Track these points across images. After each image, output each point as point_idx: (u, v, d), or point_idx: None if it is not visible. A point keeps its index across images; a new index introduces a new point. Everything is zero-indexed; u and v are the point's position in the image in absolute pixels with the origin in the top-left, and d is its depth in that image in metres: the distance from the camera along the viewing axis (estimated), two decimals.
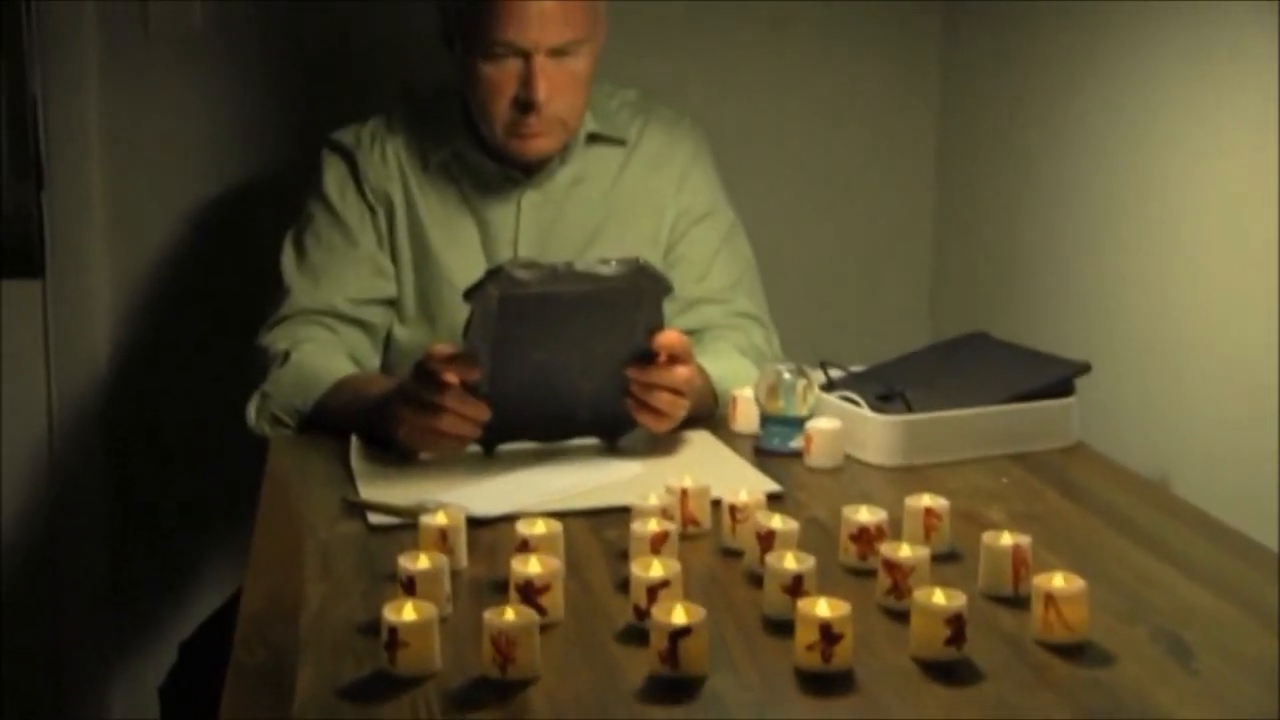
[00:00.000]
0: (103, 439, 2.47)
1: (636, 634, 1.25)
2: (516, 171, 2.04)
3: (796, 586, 1.28)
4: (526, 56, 1.90)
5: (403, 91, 2.17)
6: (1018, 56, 2.35)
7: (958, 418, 1.76)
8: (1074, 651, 1.24)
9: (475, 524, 1.48)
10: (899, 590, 1.31)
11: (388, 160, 2.05)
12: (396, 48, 2.41)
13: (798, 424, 1.75)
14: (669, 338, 1.71)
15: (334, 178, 2.05)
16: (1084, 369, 1.84)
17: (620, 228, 2.07)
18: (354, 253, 2.02)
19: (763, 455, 1.77)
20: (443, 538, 1.39)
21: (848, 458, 1.74)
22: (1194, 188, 1.87)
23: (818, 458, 1.73)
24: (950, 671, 1.20)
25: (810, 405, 1.77)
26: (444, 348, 1.68)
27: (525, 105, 1.92)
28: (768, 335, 2.09)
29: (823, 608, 1.20)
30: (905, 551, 1.33)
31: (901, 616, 1.27)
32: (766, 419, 1.78)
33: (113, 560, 2.50)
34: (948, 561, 1.43)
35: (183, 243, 2.46)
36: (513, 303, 1.63)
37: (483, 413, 1.67)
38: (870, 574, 1.37)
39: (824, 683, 1.18)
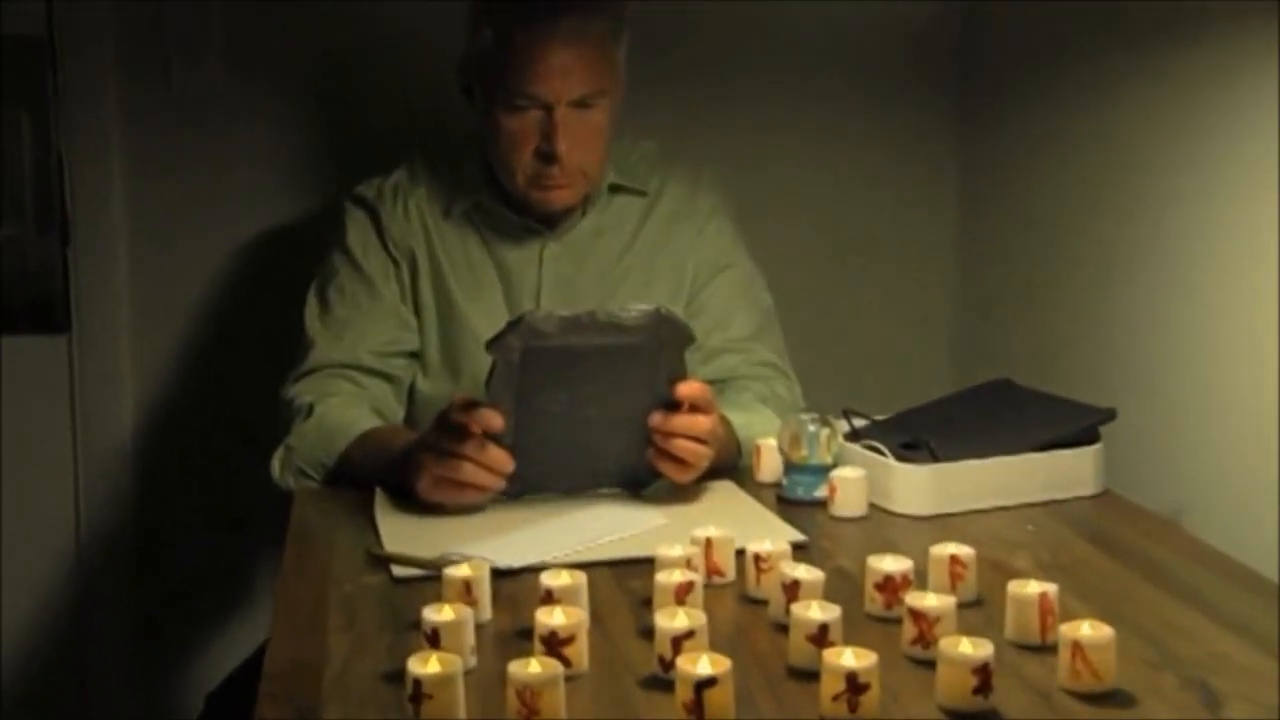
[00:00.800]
0: (128, 491, 2.48)
1: (661, 684, 1.24)
2: (538, 223, 2.05)
3: (822, 636, 1.27)
4: (548, 109, 1.92)
5: (423, 142, 2.18)
6: (1038, 111, 2.36)
7: (983, 466, 1.75)
8: (1102, 700, 1.23)
9: (499, 575, 1.47)
10: (925, 639, 1.31)
11: (410, 213, 2.06)
12: (415, 101, 2.43)
13: (822, 473, 1.75)
14: (691, 387, 1.72)
15: (356, 232, 2.06)
16: (1110, 416, 1.83)
17: (643, 279, 2.08)
18: (377, 306, 2.03)
19: (787, 504, 1.76)
20: (467, 589, 1.39)
21: (872, 506, 1.74)
22: (1214, 237, 1.87)
23: (842, 507, 1.72)
24: None
25: (834, 454, 1.77)
26: (466, 398, 1.68)
27: (547, 157, 1.93)
28: (789, 384, 2.10)
29: (849, 657, 1.19)
30: (931, 600, 1.33)
31: (928, 666, 1.26)
32: (790, 468, 1.78)
33: (140, 611, 2.51)
34: (974, 610, 1.41)
35: (206, 296, 2.48)
36: (535, 353, 1.64)
37: (505, 463, 1.67)
38: (896, 623, 1.36)
39: None
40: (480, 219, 2.07)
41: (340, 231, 2.08)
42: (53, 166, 2.38)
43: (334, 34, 2.44)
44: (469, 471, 1.67)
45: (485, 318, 1.99)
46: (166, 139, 2.44)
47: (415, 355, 2.06)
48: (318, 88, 2.47)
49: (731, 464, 1.88)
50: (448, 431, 1.67)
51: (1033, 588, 1.35)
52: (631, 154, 2.12)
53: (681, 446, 1.73)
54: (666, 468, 1.75)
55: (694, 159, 2.20)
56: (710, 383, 1.84)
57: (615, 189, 2.09)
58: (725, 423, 1.85)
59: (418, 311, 2.06)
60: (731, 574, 1.51)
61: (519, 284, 2.06)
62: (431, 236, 2.06)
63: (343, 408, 1.94)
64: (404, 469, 1.73)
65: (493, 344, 1.65)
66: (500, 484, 1.69)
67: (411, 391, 2.07)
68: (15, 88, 2.37)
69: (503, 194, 2.04)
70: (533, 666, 1.18)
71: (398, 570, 1.53)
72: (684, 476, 1.76)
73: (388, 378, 2.02)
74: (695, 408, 1.72)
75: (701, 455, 1.74)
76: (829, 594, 1.38)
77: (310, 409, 1.93)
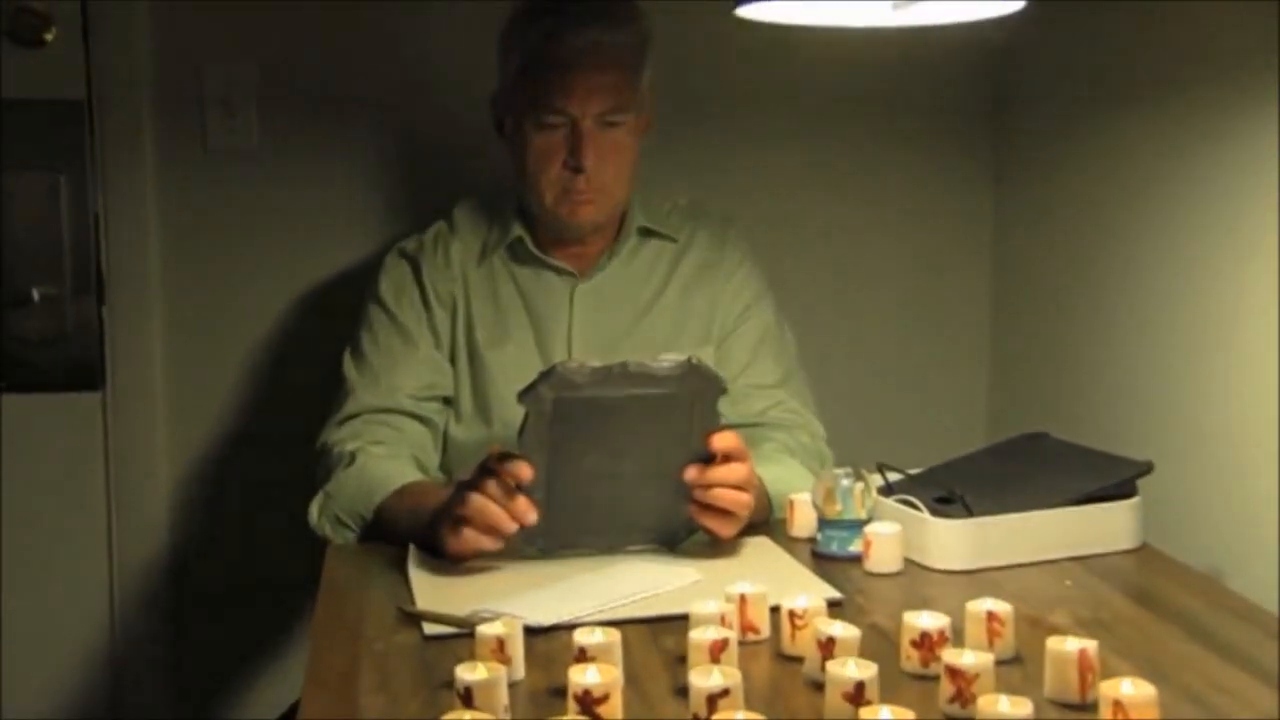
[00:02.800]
0: (163, 548, 2.48)
1: None
2: (568, 266, 2.08)
3: (859, 694, 1.26)
4: (574, 125, 1.96)
5: (462, 196, 2.20)
6: (1072, 157, 2.36)
7: (1019, 520, 1.73)
8: None
9: (532, 633, 1.47)
10: (963, 697, 1.29)
11: (451, 262, 2.10)
12: (446, 156, 2.44)
13: (856, 528, 1.74)
14: (725, 439, 1.71)
15: (393, 281, 2.09)
16: (1147, 469, 1.81)
17: (672, 324, 2.11)
18: (412, 353, 2.06)
19: (821, 560, 1.75)
20: (500, 647, 1.38)
21: (907, 562, 1.72)
22: (1251, 286, 1.85)
23: (877, 562, 1.71)
24: None
25: (868, 509, 1.76)
26: (503, 449, 1.69)
27: (575, 169, 1.97)
28: (814, 433, 2.10)
29: (886, 716, 1.18)
30: (969, 658, 1.31)
31: None
32: (824, 523, 1.77)
33: (176, 667, 2.51)
34: (1012, 667, 1.40)
35: (240, 354, 2.49)
36: (566, 404, 1.64)
37: (526, 510, 1.66)
38: (933, 680, 1.34)
39: None
40: (513, 263, 2.10)
41: (375, 281, 2.11)
42: (90, 227, 2.39)
43: (370, 94, 2.45)
44: (486, 510, 1.66)
45: (516, 363, 2.01)
46: (202, 200, 2.46)
47: (449, 400, 2.07)
48: (352, 150, 2.47)
49: (763, 519, 1.87)
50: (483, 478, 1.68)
51: (1072, 644, 1.34)
52: (664, 205, 2.16)
53: (722, 496, 1.72)
54: (710, 522, 1.74)
55: (724, 211, 2.22)
56: (735, 427, 1.83)
57: (646, 233, 2.12)
58: (756, 477, 1.84)
59: (453, 357, 2.08)
60: (766, 631, 1.49)
61: (551, 328, 2.08)
62: (468, 284, 2.09)
63: (384, 459, 1.95)
64: (436, 524, 1.73)
65: (524, 395, 1.65)
66: (512, 527, 1.67)
67: (445, 438, 2.07)
68: (54, 150, 2.38)
69: (535, 237, 2.07)
70: None
71: (429, 628, 1.52)
72: (727, 530, 1.75)
73: (423, 420, 2.04)
74: (729, 457, 1.71)
75: (743, 504, 1.74)
76: (865, 651, 1.36)
77: (352, 457, 1.94)
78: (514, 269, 2.10)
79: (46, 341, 2.39)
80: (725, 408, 1.95)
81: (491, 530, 1.67)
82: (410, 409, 2.03)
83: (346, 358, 2.08)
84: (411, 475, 1.93)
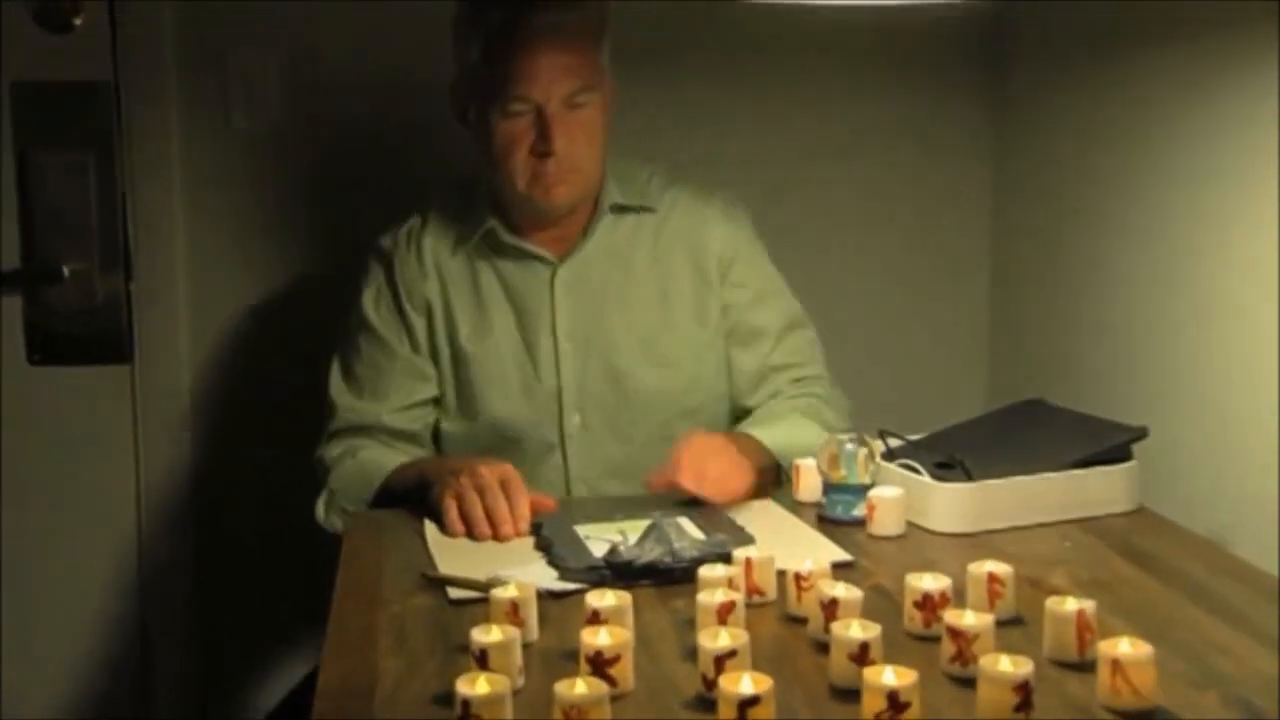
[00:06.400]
0: (187, 514, 2.49)
1: (705, 704, 1.22)
2: (545, 251, 2.01)
3: (863, 655, 1.25)
4: (540, 110, 1.89)
5: (440, 186, 2.14)
6: (1073, 130, 2.34)
7: (1018, 484, 1.72)
8: (1144, 717, 1.20)
9: (546, 597, 1.46)
10: (964, 657, 1.28)
11: (424, 258, 2.03)
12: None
13: (860, 492, 1.73)
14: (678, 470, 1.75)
15: (371, 288, 2.05)
16: (1141, 434, 1.80)
17: (661, 296, 2.04)
18: (393, 365, 2.02)
19: (826, 523, 1.74)
20: (514, 610, 1.37)
21: (910, 525, 1.71)
22: (1247, 256, 1.84)
23: (880, 526, 1.70)
24: None
25: (871, 474, 1.75)
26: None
27: (543, 154, 1.89)
28: (833, 393, 2.08)
29: (889, 676, 1.17)
30: (969, 618, 1.30)
31: (968, 683, 1.23)
32: (829, 488, 1.76)
33: (201, 633, 2.52)
34: (1012, 627, 1.39)
35: (261, 328, 2.50)
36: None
37: (525, 521, 1.70)
38: (935, 641, 1.33)
39: None
40: (491, 253, 2.02)
41: (358, 287, 2.06)
42: (117, 205, 2.38)
43: (390, 73, 2.43)
44: (497, 507, 1.69)
45: (499, 355, 1.99)
46: (225, 178, 2.46)
47: (437, 400, 2.04)
48: (374, 127, 2.46)
49: (772, 482, 1.87)
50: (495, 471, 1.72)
51: (1070, 605, 1.33)
52: (640, 174, 2.08)
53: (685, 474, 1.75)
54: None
55: (712, 173, 2.17)
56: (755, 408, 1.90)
57: (621, 209, 2.03)
58: (758, 444, 1.86)
59: (435, 357, 2.03)
60: (772, 593, 1.48)
61: (534, 318, 2.01)
62: (444, 278, 2.03)
63: (378, 453, 1.96)
64: (440, 486, 1.76)
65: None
66: (508, 532, 1.70)
67: (437, 432, 2.05)
68: (83, 130, 2.37)
69: (510, 225, 2.01)
70: (579, 687, 1.16)
71: (453, 593, 1.51)
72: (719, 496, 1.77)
73: (411, 436, 2.02)
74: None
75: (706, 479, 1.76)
76: (868, 612, 1.36)
77: (349, 457, 1.96)
78: (492, 259, 2.02)
79: (76, 316, 2.39)
80: (750, 392, 2.03)
81: (487, 527, 1.70)
82: (395, 425, 2.00)
83: (333, 371, 2.05)
84: (406, 457, 1.95)
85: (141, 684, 2.50)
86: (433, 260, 2.03)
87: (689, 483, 1.75)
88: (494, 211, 2.01)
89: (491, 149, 1.93)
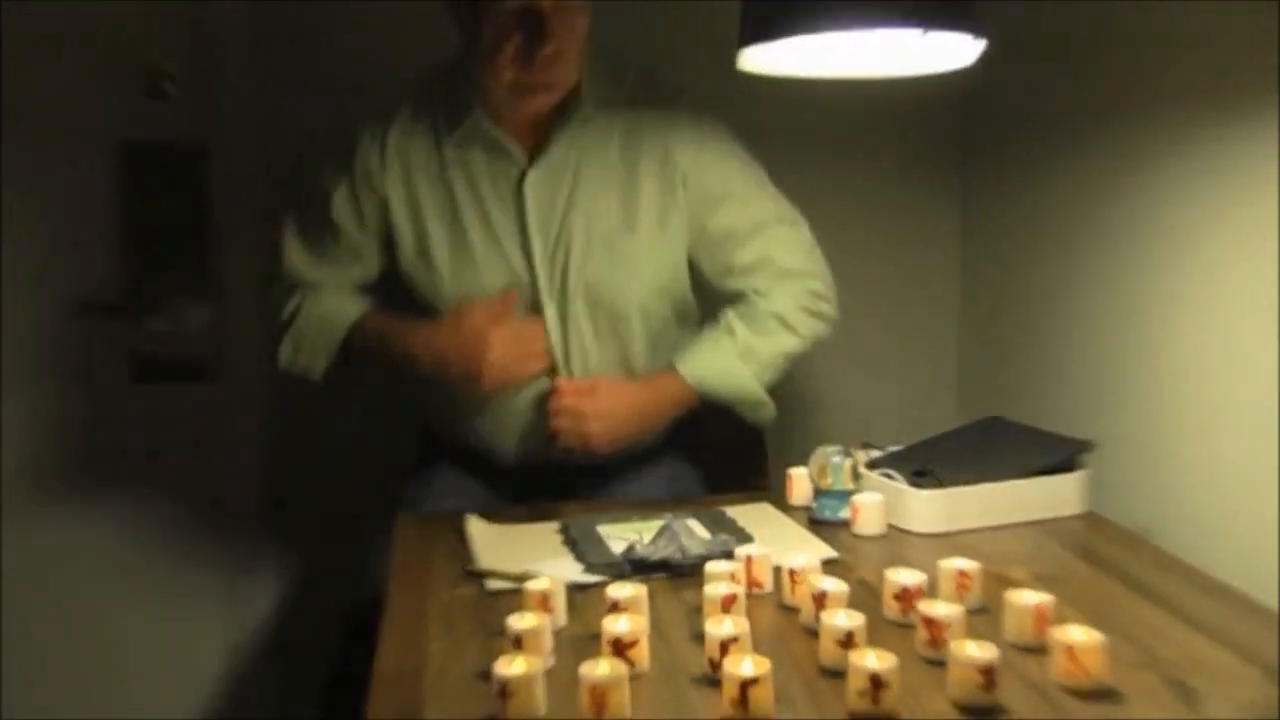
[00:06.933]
0: (265, 506, 2.48)
1: (711, 682, 1.21)
2: (518, 146, 1.81)
3: (848, 640, 1.24)
4: (532, 11, 1.67)
5: (415, 85, 1.89)
6: (1036, 173, 2.31)
7: (983, 490, 1.71)
8: (1094, 696, 1.18)
9: (575, 588, 1.45)
10: (936, 642, 1.27)
11: (386, 155, 1.83)
12: None
13: (845, 497, 1.72)
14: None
15: (332, 168, 1.86)
16: (1087, 447, 1.79)
17: (626, 197, 1.83)
18: (338, 242, 1.88)
19: (816, 524, 1.72)
20: (545, 600, 1.36)
21: (889, 526, 1.70)
22: (1181, 295, 1.83)
23: (863, 526, 1.68)
24: (985, 715, 1.15)
25: (855, 481, 1.74)
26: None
27: (532, 54, 1.68)
28: (806, 288, 1.91)
29: (872, 659, 1.16)
30: (941, 608, 1.29)
31: (940, 665, 1.22)
32: (818, 493, 1.74)
33: (277, 620, 2.51)
34: (979, 616, 1.37)
35: None
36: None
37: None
38: (911, 628, 1.32)
39: None
40: (463, 149, 1.81)
41: (331, 164, 1.87)
42: (207, 249, 2.38)
43: None
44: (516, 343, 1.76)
45: (468, 253, 1.82)
46: None
47: (370, 288, 1.93)
48: None
49: (689, 405, 1.90)
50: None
51: (1029, 596, 1.32)
52: (626, 73, 1.86)
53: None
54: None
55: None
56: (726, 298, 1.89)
57: (588, 118, 1.81)
58: (674, 371, 1.86)
59: (392, 246, 1.86)
60: (769, 586, 1.47)
61: (500, 217, 1.82)
62: (411, 173, 1.83)
63: (328, 295, 1.90)
64: (439, 353, 1.78)
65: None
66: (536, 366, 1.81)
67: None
68: (178, 185, 2.37)
69: (489, 114, 1.79)
70: (602, 667, 1.16)
71: (491, 584, 1.50)
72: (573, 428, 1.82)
73: (352, 289, 1.93)
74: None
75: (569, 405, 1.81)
76: (853, 603, 1.35)
77: (299, 308, 1.89)
78: (464, 154, 1.81)
79: (170, 342, 2.39)
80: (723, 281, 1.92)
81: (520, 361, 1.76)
82: (330, 286, 1.90)
83: (288, 226, 1.91)
84: (359, 309, 1.90)
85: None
86: (398, 158, 1.83)
87: (564, 432, 1.80)
88: (477, 102, 1.79)
89: (480, 40, 1.70)
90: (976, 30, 1.43)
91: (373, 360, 1.88)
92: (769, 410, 1.93)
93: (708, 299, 1.94)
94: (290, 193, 1.97)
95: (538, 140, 1.81)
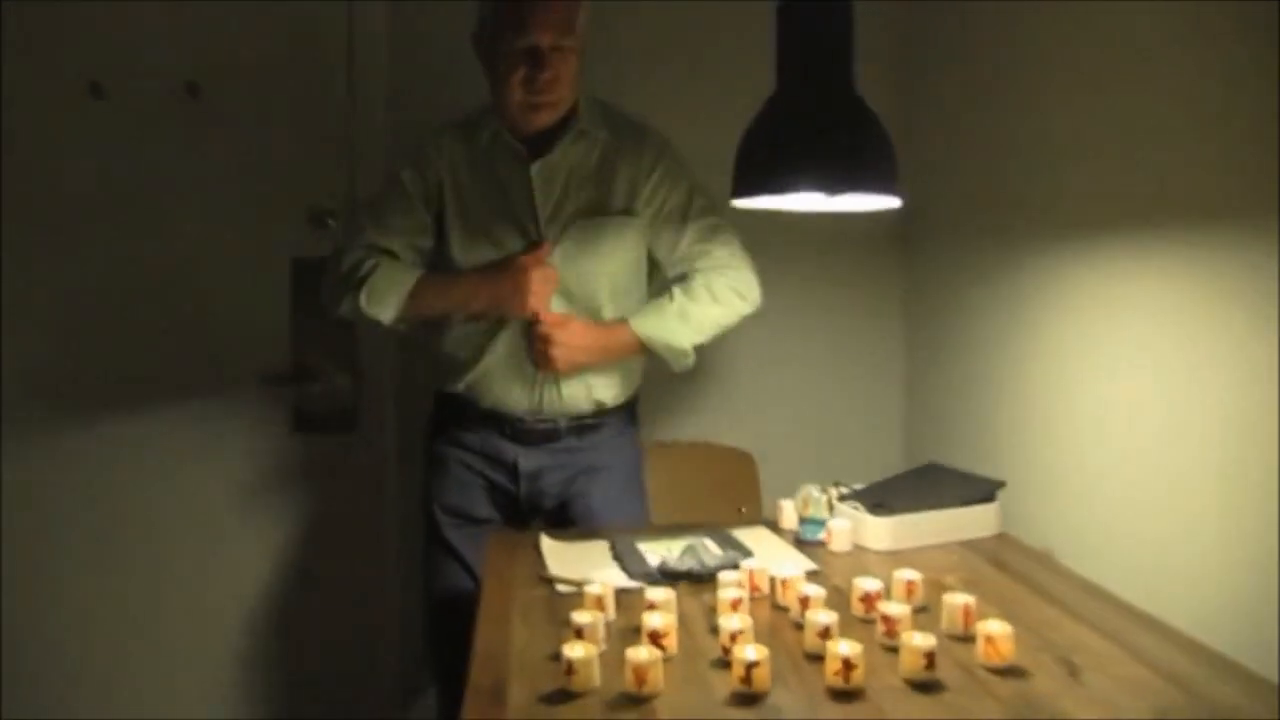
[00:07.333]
0: (395, 536, 2.44)
1: (723, 664, 1.22)
2: (529, 152, 1.86)
3: (826, 632, 1.25)
4: (534, 50, 1.77)
5: (457, 117, 1.95)
6: (965, 263, 2.25)
7: (924, 517, 1.71)
8: (1006, 672, 1.19)
9: (621, 591, 1.46)
10: (891, 633, 1.28)
11: (441, 150, 1.89)
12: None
13: (822, 523, 1.72)
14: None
15: (408, 165, 1.91)
16: (1000, 485, 1.78)
17: (604, 186, 1.88)
18: (410, 215, 1.89)
19: (801, 544, 1.72)
20: (600, 600, 1.37)
21: (855, 545, 1.70)
22: (1087, 365, 1.82)
23: (836, 545, 1.68)
24: (928, 688, 1.16)
25: (830, 511, 1.74)
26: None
27: (533, 82, 1.77)
28: (738, 275, 1.91)
29: (844, 646, 1.17)
30: (894, 608, 1.30)
31: (894, 651, 1.23)
32: (802, 520, 1.74)
33: (402, 642, 2.45)
34: (922, 614, 1.38)
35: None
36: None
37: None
38: (873, 623, 1.33)
39: (846, 697, 1.15)
40: (493, 148, 1.87)
41: (404, 160, 1.92)
42: (351, 334, 2.38)
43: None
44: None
45: (489, 221, 1.87)
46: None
47: (424, 250, 1.91)
48: None
49: (632, 354, 1.89)
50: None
51: (959, 597, 1.32)
52: (609, 110, 1.92)
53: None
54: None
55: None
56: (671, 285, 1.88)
57: (583, 133, 1.87)
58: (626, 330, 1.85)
59: (440, 217, 1.89)
60: (766, 590, 1.47)
61: (517, 194, 1.86)
62: (455, 165, 1.88)
63: (397, 265, 1.88)
64: (495, 287, 1.80)
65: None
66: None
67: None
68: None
69: (509, 130, 1.86)
70: (642, 652, 1.17)
71: (560, 587, 1.51)
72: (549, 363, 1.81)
73: (416, 252, 1.91)
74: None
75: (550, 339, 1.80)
76: (829, 604, 1.35)
77: (376, 265, 1.86)
78: (490, 156, 1.87)
79: (324, 403, 2.39)
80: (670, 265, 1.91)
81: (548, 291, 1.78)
82: (399, 251, 1.88)
83: (368, 207, 1.93)
84: (421, 271, 1.88)
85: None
86: (448, 154, 1.89)
87: (538, 353, 1.80)
88: (499, 120, 1.87)
89: (496, 79, 1.81)
90: (889, 193, 1.44)
91: (435, 304, 1.86)
92: (690, 360, 1.90)
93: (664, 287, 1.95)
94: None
95: (541, 148, 1.85)
